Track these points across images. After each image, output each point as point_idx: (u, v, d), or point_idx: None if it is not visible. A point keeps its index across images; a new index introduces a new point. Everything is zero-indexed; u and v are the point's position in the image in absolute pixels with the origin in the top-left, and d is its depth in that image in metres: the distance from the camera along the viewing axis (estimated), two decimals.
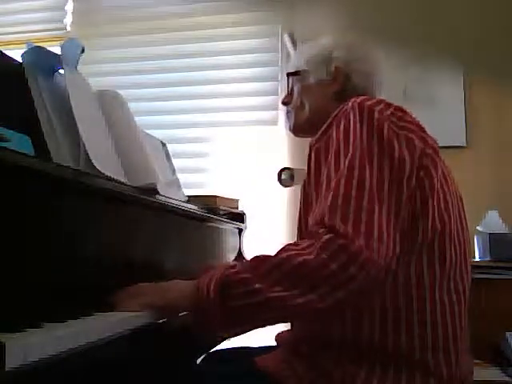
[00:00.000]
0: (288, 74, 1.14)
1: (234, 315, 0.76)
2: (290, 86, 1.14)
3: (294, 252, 0.75)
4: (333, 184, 0.78)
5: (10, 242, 0.66)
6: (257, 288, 0.73)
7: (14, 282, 0.66)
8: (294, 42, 2.42)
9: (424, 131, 0.88)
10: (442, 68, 2.27)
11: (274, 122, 2.45)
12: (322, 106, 1.05)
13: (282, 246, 0.79)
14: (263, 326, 0.81)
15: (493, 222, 1.94)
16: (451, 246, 0.85)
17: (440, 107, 2.25)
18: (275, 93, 2.47)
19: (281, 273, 0.74)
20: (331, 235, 0.73)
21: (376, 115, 0.83)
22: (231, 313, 0.76)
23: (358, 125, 0.82)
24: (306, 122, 1.09)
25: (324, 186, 0.81)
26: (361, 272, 0.71)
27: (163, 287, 0.85)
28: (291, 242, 0.80)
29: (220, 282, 0.76)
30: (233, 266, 0.79)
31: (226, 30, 2.58)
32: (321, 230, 0.74)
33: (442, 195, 0.85)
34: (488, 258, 1.84)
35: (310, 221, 0.81)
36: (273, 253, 0.77)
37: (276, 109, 2.45)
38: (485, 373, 1.48)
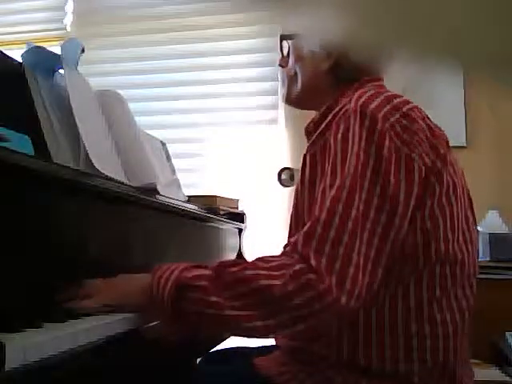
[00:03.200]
0: (281, 37, 1.07)
1: (184, 317, 0.73)
2: (286, 48, 1.06)
3: (262, 272, 0.71)
4: (318, 205, 0.74)
5: (10, 242, 0.66)
6: (213, 301, 0.70)
7: (14, 282, 0.66)
8: None
9: (436, 137, 0.80)
10: (441, 68, 2.27)
11: (273, 122, 2.45)
12: (314, 81, 0.97)
13: (251, 260, 0.76)
14: (211, 332, 0.80)
15: (493, 221, 1.94)
16: (456, 265, 0.80)
17: (440, 107, 2.25)
18: (275, 93, 2.47)
19: (241, 291, 0.70)
20: (303, 266, 0.69)
21: (379, 126, 0.75)
22: (181, 314, 0.72)
23: (357, 138, 0.75)
24: (297, 96, 1.02)
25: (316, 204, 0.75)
26: (324, 312, 0.68)
27: (116, 283, 0.79)
28: (263, 256, 0.76)
29: (178, 281, 0.72)
30: (195, 267, 0.75)
31: (226, 30, 2.58)
32: (295, 256, 0.71)
33: (448, 211, 0.79)
34: (488, 258, 1.84)
35: (295, 237, 0.74)
36: (238, 264, 0.74)
37: (276, 109, 2.45)
38: (485, 373, 1.48)
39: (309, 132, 0.95)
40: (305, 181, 0.83)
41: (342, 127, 0.77)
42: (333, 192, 0.73)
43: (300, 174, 0.85)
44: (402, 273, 0.78)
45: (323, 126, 0.84)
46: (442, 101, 2.27)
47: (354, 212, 0.71)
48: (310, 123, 0.93)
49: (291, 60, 1.03)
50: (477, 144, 2.20)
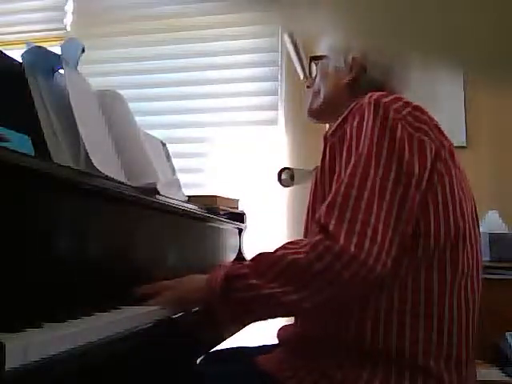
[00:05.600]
0: (311, 58, 1.14)
1: (233, 306, 0.81)
2: (314, 70, 1.13)
3: (288, 251, 0.78)
4: (336, 183, 0.81)
5: (10, 242, 0.66)
6: (253, 283, 0.78)
7: (14, 282, 0.66)
8: (294, 42, 2.42)
9: (441, 133, 0.86)
10: (441, 68, 2.27)
11: (273, 122, 2.45)
12: (335, 94, 1.05)
13: (282, 244, 0.82)
14: (262, 319, 0.87)
15: (493, 221, 1.93)
16: (464, 254, 0.84)
17: (440, 107, 2.25)
18: (275, 93, 2.47)
19: (276, 270, 0.77)
20: (322, 235, 0.75)
21: (391, 114, 0.82)
22: (231, 304, 0.81)
23: (371, 123, 0.81)
24: (319, 108, 1.09)
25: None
26: (345, 271, 0.73)
27: (178, 283, 0.91)
28: (293, 240, 0.84)
29: (225, 275, 0.81)
30: (239, 262, 0.84)
31: (226, 30, 2.58)
32: (316, 230, 0.78)
33: (457, 201, 0.84)
34: (488, 258, 1.84)
35: (318, 213, 0.82)
36: (273, 249, 0.82)
37: (276, 109, 2.45)
38: (485, 373, 1.48)
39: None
40: (325, 170, 0.87)
41: (357, 117, 0.83)
42: (349, 169, 0.79)
43: (320, 164, 0.90)
44: (414, 252, 0.81)
45: (341, 119, 0.88)
46: (442, 101, 2.27)
47: (369, 184, 0.77)
48: (329, 129, 0.94)
49: (317, 79, 1.11)
50: (477, 144, 2.20)
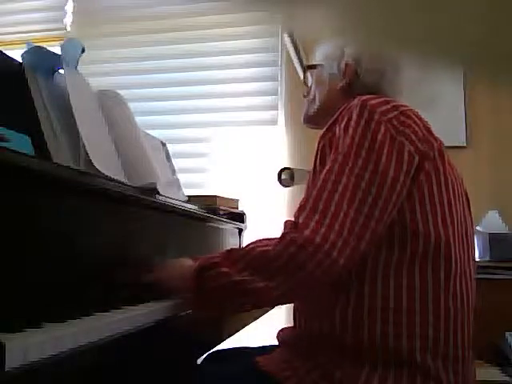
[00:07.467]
0: (306, 67, 1.17)
1: (206, 294, 0.84)
2: (309, 79, 1.16)
3: (258, 244, 0.83)
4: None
5: (10, 242, 0.66)
6: (224, 271, 0.81)
7: (14, 282, 0.66)
8: (294, 42, 2.42)
9: (431, 133, 0.88)
10: (441, 68, 2.27)
11: (273, 122, 2.45)
12: (330, 99, 1.07)
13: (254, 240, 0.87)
14: (236, 309, 0.91)
15: (493, 221, 1.94)
16: (456, 252, 0.84)
17: (440, 107, 2.25)
18: (275, 93, 2.47)
19: (245, 261, 0.81)
20: (290, 228, 0.79)
21: (376, 116, 0.83)
22: (204, 292, 0.84)
23: (355, 124, 0.83)
24: (315, 114, 1.11)
25: None
26: (309, 262, 0.75)
27: (171, 269, 0.95)
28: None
29: (199, 265, 0.85)
30: (213, 254, 0.88)
31: (226, 30, 2.58)
32: (286, 224, 0.81)
33: (446, 200, 0.85)
34: (488, 258, 1.84)
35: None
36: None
37: (276, 109, 2.45)
38: (485, 373, 1.48)
39: None
40: (316, 170, 0.89)
41: (345, 119, 0.85)
42: (328, 166, 0.83)
43: (313, 165, 0.91)
44: (405, 250, 0.82)
45: (331, 121, 0.90)
46: (442, 101, 2.27)
47: (344, 180, 0.80)
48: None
49: (313, 87, 1.13)
50: (477, 144, 2.20)
